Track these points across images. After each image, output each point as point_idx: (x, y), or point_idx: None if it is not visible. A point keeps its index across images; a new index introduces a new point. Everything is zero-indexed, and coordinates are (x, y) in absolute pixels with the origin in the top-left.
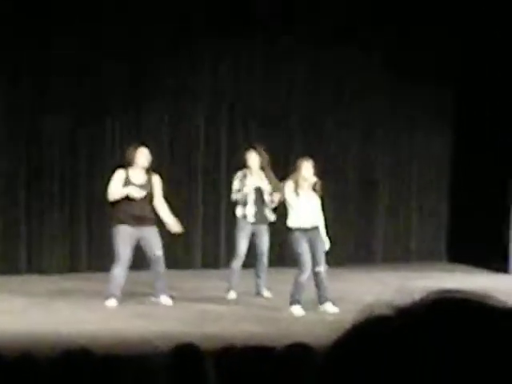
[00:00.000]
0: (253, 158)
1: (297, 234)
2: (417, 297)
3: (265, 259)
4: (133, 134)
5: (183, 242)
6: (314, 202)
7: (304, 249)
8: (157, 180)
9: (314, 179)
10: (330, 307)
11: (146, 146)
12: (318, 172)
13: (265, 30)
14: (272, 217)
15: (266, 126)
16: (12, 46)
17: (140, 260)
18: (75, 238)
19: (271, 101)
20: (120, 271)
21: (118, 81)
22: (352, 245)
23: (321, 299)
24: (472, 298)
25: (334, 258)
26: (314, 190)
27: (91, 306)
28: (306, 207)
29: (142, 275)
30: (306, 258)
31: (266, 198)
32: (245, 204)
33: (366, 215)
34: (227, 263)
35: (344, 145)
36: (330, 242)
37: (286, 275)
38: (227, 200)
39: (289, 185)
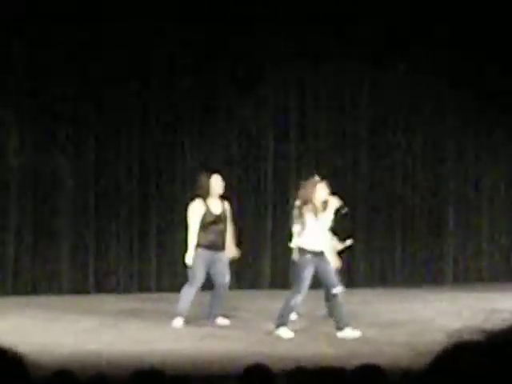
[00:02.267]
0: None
1: (308, 257)
2: (499, 319)
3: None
4: (202, 156)
5: (253, 264)
6: (325, 224)
7: (309, 275)
8: (228, 207)
9: (334, 202)
10: (350, 333)
11: (219, 172)
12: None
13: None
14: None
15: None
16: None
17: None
18: (144, 258)
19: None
20: (192, 291)
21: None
22: (423, 265)
23: (339, 324)
24: None
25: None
26: (324, 209)
27: (161, 326)
28: (320, 231)
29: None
30: (307, 284)
31: None
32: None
33: (435, 235)
34: None
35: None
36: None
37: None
38: None
39: (308, 209)
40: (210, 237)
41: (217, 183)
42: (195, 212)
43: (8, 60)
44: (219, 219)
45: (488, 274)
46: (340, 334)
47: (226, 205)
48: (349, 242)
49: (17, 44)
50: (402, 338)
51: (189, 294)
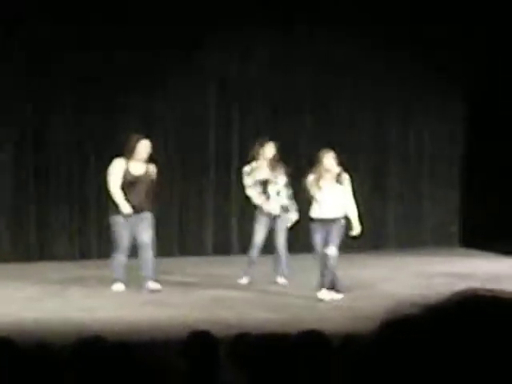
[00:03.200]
0: (269, 150)
1: (315, 224)
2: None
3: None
4: (142, 121)
5: (195, 230)
6: (338, 193)
7: (318, 241)
8: (153, 170)
9: (336, 170)
10: (326, 294)
11: (148, 137)
12: (341, 162)
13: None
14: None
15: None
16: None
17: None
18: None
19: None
20: (122, 257)
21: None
22: (366, 231)
23: (319, 284)
24: (500, 295)
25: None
26: (338, 181)
27: (104, 293)
28: (328, 199)
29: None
30: (320, 248)
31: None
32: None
33: (378, 201)
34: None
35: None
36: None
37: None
38: (238, 186)
39: (311, 177)
40: (130, 198)
41: (143, 148)
42: (113, 167)
43: None
44: (139, 180)
45: (430, 239)
46: (319, 295)
47: (152, 168)
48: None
49: None
50: (344, 303)
51: (117, 259)
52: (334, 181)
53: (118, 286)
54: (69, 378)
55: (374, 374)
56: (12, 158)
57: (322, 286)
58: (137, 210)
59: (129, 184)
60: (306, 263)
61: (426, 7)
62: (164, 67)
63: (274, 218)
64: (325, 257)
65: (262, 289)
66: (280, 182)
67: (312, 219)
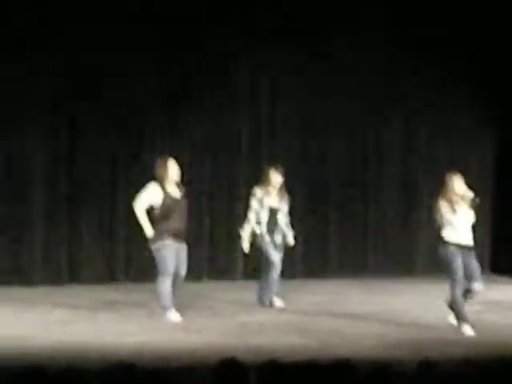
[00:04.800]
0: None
1: (454, 249)
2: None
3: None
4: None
5: (225, 253)
6: (471, 219)
7: (460, 264)
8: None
9: (470, 194)
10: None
11: (175, 158)
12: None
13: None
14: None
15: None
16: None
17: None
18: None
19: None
20: (169, 284)
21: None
22: (393, 256)
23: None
24: None
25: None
26: (471, 206)
27: (132, 317)
28: (463, 225)
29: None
30: (461, 272)
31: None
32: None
33: (407, 227)
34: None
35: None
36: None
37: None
38: None
39: (443, 203)
40: (174, 224)
41: (173, 169)
42: (148, 194)
43: None
44: (179, 205)
45: None
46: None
47: (184, 190)
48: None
49: None
50: (374, 330)
51: (165, 285)
52: (467, 206)
53: (174, 315)
54: None
55: None
56: (44, 180)
57: (462, 319)
58: (180, 237)
59: (170, 209)
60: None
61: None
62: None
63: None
64: (469, 290)
65: (292, 313)
66: (284, 210)
67: (448, 243)
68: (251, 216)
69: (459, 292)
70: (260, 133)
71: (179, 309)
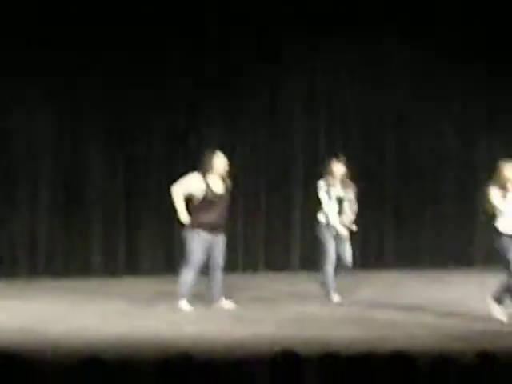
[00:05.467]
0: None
1: (506, 238)
2: None
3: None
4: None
5: (281, 244)
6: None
7: None
8: (230, 186)
9: None
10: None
11: (223, 152)
12: None
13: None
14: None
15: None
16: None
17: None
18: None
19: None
20: (192, 274)
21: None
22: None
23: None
24: None
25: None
26: None
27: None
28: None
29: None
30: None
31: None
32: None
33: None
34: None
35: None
36: None
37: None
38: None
39: (494, 189)
40: (209, 218)
41: (220, 162)
42: (187, 182)
43: None
44: (220, 198)
45: None
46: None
47: (229, 185)
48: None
49: None
50: (430, 321)
51: (188, 276)
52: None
53: (185, 305)
54: None
55: None
56: (103, 173)
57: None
58: (215, 229)
59: (210, 202)
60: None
61: None
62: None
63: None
64: None
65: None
66: (351, 198)
67: (500, 233)
68: (326, 208)
69: None
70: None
71: (234, 299)
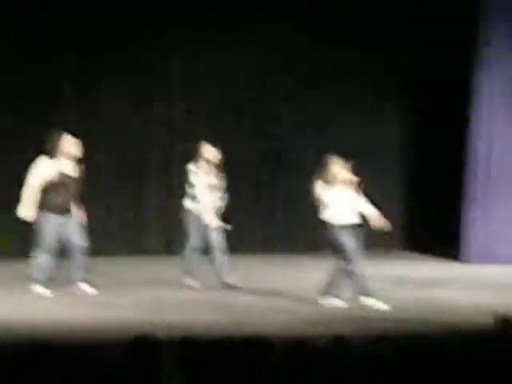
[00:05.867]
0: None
1: (335, 229)
2: None
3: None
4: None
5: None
6: (353, 199)
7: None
8: (79, 169)
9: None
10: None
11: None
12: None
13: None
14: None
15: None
16: None
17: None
18: None
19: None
20: (45, 257)
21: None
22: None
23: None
24: None
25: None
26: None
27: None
28: (344, 204)
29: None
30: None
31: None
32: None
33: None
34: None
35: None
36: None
37: None
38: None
39: (319, 183)
40: (59, 199)
41: (70, 144)
42: (38, 168)
43: None
44: (70, 181)
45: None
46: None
47: (80, 168)
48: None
49: None
50: (287, 305)
51: (42, 260)
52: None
53: (41, 288)
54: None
55: None
56: None
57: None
58: (65, 210)
59: (59, 184)
60: None
61: None
62: None
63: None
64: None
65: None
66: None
67: (330, 225)
68: (200, 195)
69: (357, 268)
70: None
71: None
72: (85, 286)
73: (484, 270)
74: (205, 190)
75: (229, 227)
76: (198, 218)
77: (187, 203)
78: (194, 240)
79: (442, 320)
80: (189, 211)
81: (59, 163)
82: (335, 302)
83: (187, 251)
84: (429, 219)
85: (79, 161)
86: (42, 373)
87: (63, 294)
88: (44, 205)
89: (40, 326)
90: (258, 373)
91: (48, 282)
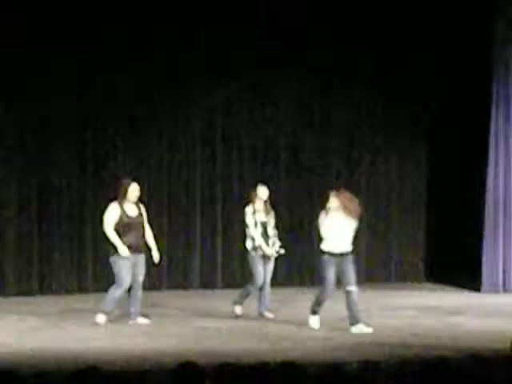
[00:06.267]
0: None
1: (325, 257)
2: None
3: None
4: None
5: (183, 266)
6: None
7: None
8: (144, 210)
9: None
10: (363, 328)
11: (136, 180)
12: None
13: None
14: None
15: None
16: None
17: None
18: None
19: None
20: (119, 292)
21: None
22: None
23: (351, 320)
24: None
25: None
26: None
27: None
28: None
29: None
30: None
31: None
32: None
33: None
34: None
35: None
36: None
37: None
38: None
39: (322, 214)
40: (130, 240)
41: (133, 191)
42: (110, 214)
43: None
44: (135, 222)
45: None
46: (353, 329)
47: (143, 209)
48: (282, 250)
49: None
50: (322, 335)
51: (115, 294)
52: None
53: (102, 318)
54: None
55: None
56: (17, 196)
57: (355, 321)
58: (136, 249)
59: (125, 225)
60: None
61: None
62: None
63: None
64: (348, 294)
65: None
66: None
67: (322, 252)
68: (253, 232)
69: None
70: None
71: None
72: (141, 319)
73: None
74: (256, 228)
75: (282, 251)
76: (259, 256)
77: (247, 244)
78: (259, 278)
79: (464, 345)
80: (250, 252)
81: (126, 207)
82: (365, 329)
83: (251, 289)
84: (448, 253)
85: (142, 203)
86: None
87: (122, 325)
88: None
89: (90, 354)
90: None
91: (111, 314)
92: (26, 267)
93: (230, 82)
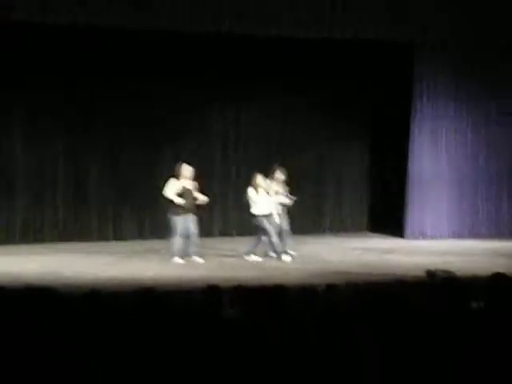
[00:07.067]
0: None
1: (260, 218)
2: None
3: None
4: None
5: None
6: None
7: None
8: (196, 184)
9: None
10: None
11: (188, 163)
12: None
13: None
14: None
15: None
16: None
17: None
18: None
19: None
20: (180, 241)
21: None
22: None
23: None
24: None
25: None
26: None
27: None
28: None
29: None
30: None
31: None
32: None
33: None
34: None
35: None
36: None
37: None
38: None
39: (251, 189)
40: (186, 203)
41: (187, 170)
42: (171, 184)
43: None
44: (190, 191)
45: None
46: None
47: (195, 184)
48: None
49: None
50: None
51: (175, 241)
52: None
53: (178, 260)
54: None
55: None
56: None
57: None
58: (188, 211)
59: (183, 194)
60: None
61: None
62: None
63: None
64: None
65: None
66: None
67: (256, 215)
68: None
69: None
70: None
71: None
72: (196, 258)
73: (418, 243)
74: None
75: (294, 198)
76: (264, 217)
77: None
78: (273, 235)
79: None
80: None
81: (182, 181)
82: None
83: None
84: (383, 211)
85: (193, 180)
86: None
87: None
88: (177, 207)
89: (148, 280)
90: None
91: (180, 255)
92: (103, 218)
93: None
